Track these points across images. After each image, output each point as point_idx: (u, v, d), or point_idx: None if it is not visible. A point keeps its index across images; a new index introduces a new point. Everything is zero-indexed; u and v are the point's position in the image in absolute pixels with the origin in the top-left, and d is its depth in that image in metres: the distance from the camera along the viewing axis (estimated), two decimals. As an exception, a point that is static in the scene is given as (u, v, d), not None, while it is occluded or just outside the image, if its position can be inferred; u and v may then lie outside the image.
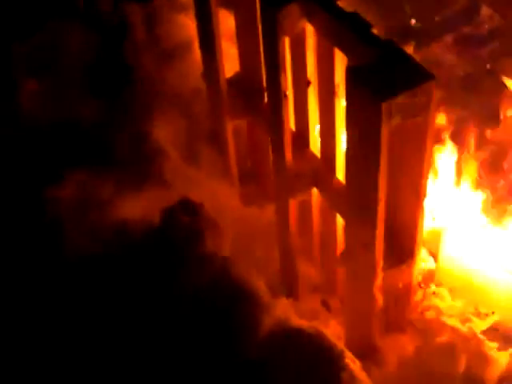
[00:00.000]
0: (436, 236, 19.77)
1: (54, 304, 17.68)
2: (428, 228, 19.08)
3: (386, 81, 13.76)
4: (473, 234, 19.68)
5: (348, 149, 15.11)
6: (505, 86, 21.15)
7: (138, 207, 18.75)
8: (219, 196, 20.01)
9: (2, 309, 17.96)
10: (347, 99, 14.30)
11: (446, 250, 19.70)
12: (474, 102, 20.87)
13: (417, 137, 14.69)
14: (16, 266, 18.35)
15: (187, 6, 21.33)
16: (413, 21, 21.17)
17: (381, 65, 14.05)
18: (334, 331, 18.52)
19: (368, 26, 14.69)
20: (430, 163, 15.45)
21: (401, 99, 13.69)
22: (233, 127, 20.18)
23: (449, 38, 22.73)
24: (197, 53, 20.16)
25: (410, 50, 20.80)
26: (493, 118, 20.77)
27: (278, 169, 18.05)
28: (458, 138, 20.04)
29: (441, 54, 22.52)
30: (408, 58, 14.34)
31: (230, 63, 19.20)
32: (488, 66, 21.99)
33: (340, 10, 15.02)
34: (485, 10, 23.04)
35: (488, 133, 20.49)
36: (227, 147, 20.49)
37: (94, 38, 22.67)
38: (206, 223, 17.62)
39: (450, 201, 19.92)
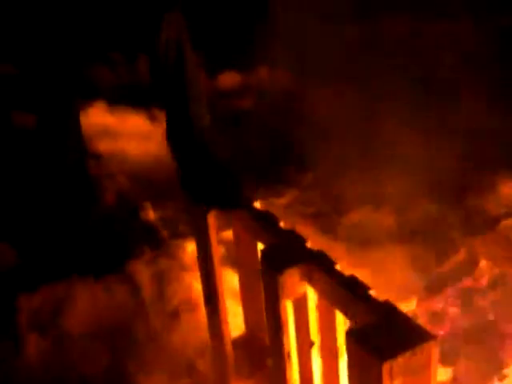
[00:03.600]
0: None
1: None
2: None
3: (386, 342, 13.91)
4: None
5: (352, 409, 15.00)
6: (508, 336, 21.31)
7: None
8: None
9: None
10: (348, 361, 14.37)
11: None
12: (478, 355, 20.96)
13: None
14: None
15: (192, 265, 22.05)
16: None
17: (381, 326, 14.29)
18: None
19: (366, 288, 15.15)
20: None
21: (401, 359, 13.80)
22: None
23: (450, 291, 23.25)
24: (202, 312, 20.55)
25: (412, 305, 21.29)
26: (498, 371, 20.76)
27: (283, 429, 17.73)
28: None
29: (442, 306, 22.95)
30: (407, 318, 14.58)
31: (236, 322, 19.53)
32: (490, 317, 22.26)
33: (339, 273, 15.56)
34: (484, 262, 23.75)
35: (495, 385, 20.40)
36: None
37: (101, 295, 23.29)
38: None
39: None
